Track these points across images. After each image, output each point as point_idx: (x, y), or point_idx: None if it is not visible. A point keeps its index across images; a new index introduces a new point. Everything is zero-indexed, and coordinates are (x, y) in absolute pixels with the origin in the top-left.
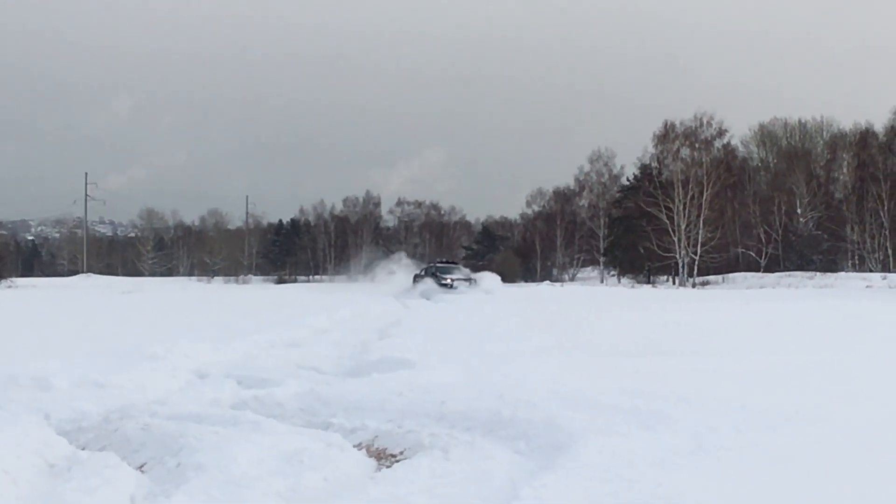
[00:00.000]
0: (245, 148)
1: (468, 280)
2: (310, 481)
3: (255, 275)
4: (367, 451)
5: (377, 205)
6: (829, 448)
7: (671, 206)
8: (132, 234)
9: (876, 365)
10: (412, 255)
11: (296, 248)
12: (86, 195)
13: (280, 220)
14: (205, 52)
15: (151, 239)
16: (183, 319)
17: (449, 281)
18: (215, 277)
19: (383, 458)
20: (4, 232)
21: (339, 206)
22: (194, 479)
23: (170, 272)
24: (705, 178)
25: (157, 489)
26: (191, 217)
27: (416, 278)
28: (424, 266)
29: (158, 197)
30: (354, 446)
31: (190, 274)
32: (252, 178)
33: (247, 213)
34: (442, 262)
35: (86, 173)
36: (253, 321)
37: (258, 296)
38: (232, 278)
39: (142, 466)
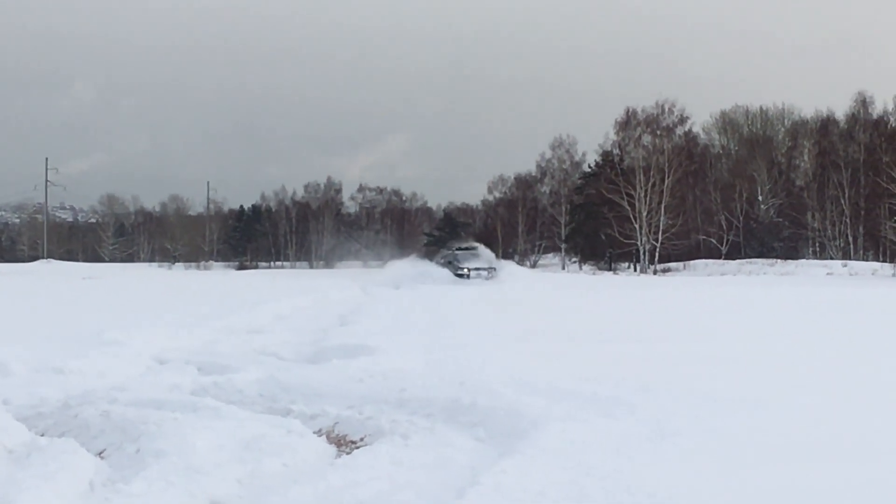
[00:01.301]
0: (207, 134)
1: (489, 269)
2: (269, 467)
3: (217, 261)
4: (327, 437)
5: (338, 191)
6: (785, 433)
7: (633, 193)
8: (93, 220)
9: (836, 352)
10: (373, 242)
11: (257, 235)
12: (46, 181)
13: (241, 206)
14: (167, 39)
15: (112, 225)
16: (143, 305)
17: (465, 271)
18: (176, 263)
19: (343, 444)
20: None
21: (300, 192)
22: (154, 465)
23: (131, 258)
24: (667, 165)
25: (117, 475)
26: (152, 203)
27: (440, 265)
28: (447, 251)
29: (119, 183)
30: (314, 433)
31: (151, 260)
32: (213, 163)
33: (208, 198)
34: (461, 248)
35: (46, 158)
36: (214, 307)
37: (220, 282)
38: (193, 264)
39: (101, 453)
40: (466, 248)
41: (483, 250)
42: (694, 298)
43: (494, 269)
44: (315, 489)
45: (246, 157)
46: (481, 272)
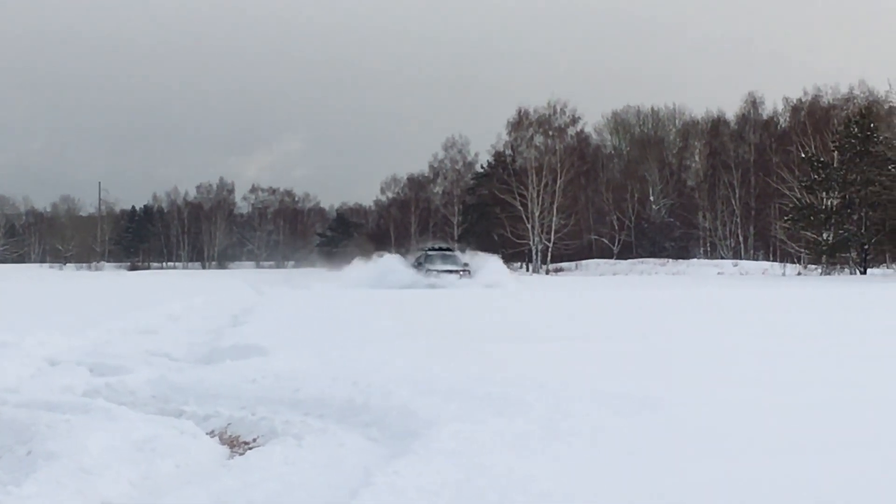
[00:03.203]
0: (99, 134)
1: (460, 271)
2: (161, 469)
3: (109, 262)
4: (220, 438)
5: (231, 191)
6: (679, 434)
7: (525, 193)
8: None
9: (731, 351)
10: (266, 243)
11: (149, 235)
12: None
13: (133, 207)
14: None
15: (2, 225)
16: (34, 307)
17: (435, 273)
18: (68, 264)
19: (236, 445)
20: None
21: (192, 193)
22: (45, 468)
23: (21, 259)
24: (559, 165)
25: (7, 477)
26: (43, 203)
27: (415, 266)
28: (420, 251)
29: (9, 183)
30: (207, 434)
31: (42, 261)
32: (105, 164)
33: (99, 199)
34: (434, 249)
35: None
36: (106, 308)
37: (111, 283)
38: (84, 265)
39: None
40: (439, 249)
41: (455, 253)
42: (589, 298)
43: (468, 270)
44: (208, 490)
45: (139, 158)
46: (451, 274)
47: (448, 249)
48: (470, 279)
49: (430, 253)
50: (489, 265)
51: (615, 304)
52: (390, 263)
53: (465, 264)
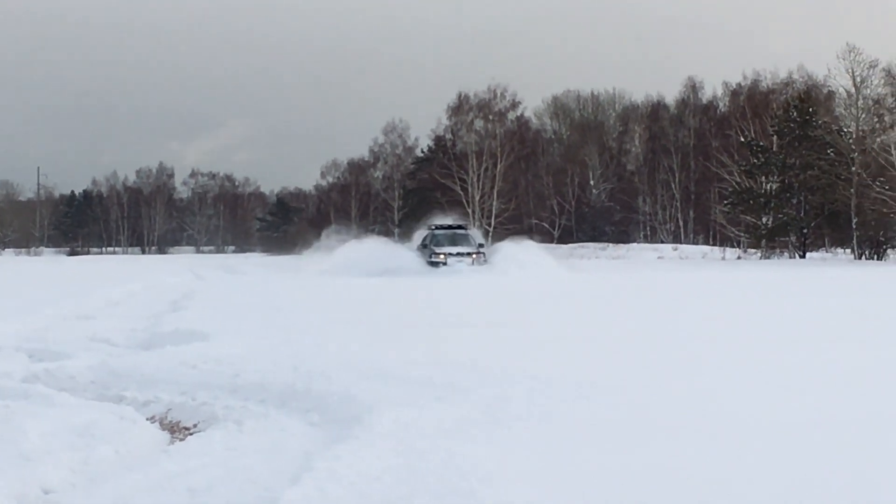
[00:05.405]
0: (37, 117)
1: (474, 254)
2: (101, 454)
3: (48, 247)
4: (160, 423)
5: (171, 176)
6: (621, 418)
7: (465, 177)
8: None
9: (671, 336)
10: (206, 227)
11: (88, 220)
12: None
13: (73, 192)
14: None
15: None
16: None
17: (442, 258)
18: (6, 250)
19: (177, 430)
20: None
21: (132, 178)
22: None
23: None
24: (499, 149)
25: None
26: None
27: (421, 249)
28: (427, 230)
29: None
30: (147, 419)
31: None
32: (45, 148)
33: (38, 184)
34: (442, 228)
35: None
36: (44, 294)
37: (50, 268)
38: (23, 250)
39: None
40: (448, 228)
41: (468, 232)
42: (534, 283)
43: (482, 253)
44: (147, 476)
45: (78, 142)
46: (463, 258)
47: (460, 227)
48: (485, 264)
49: (436, 232)
50: (509, 249)
51: (556, 289)
52: (386, 247)
53: (480, 245)
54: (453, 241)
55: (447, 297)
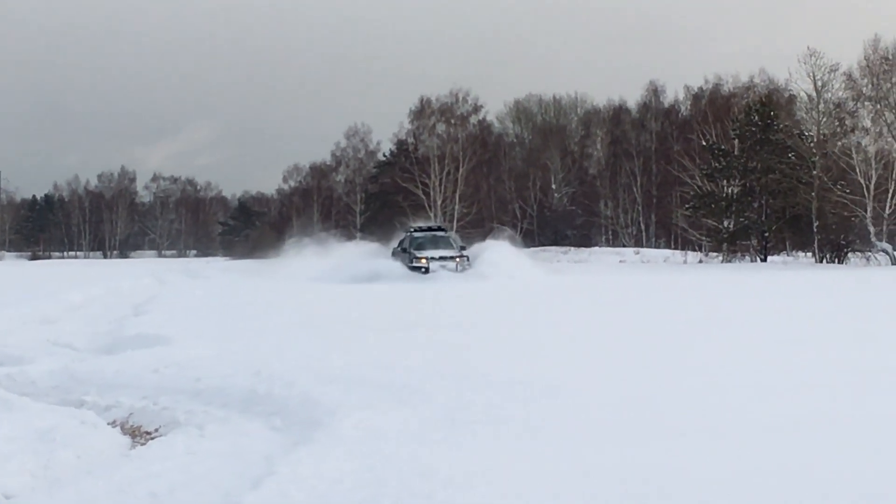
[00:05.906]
0: None
1: (457, 258)
2: (63, 459)
3: (9, 251)
4: (122, 428)
5: (132, 180)
6: (579, 419)
7: (427, 181)
8: None
9: (629, 338)
10: (168, 232)
11: (50, 225)
12: None
13: (34, 196)
14: None
15: None
16: None
17: (423, 262)
18: None
19: (138, 435)
20: None
21: (94, 182)
22: None
23: None
24: (461, 153)
25: None
26: None
27: (395, 253)
28: (405, 233)
29: None
30: (109, 424)
31: None
32: (5, 152)
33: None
34: (421, 230)
35: None
36: (5, 297)
37: (11, 272)
38: None
39: None
40: (428, 230)
41: (450, 235)
42: (492, 286)
43: (466, 256)
44: (109, 481)
45: (39, 146)
46: (446, 262)
47: (440, 229)
48: (469, 268)
49: (416, 235)
50: (493, 250)
51: (519, 291)
52: (363, 252)
53: (463, 248)
54: (434, 244)
55: (416, 300)
